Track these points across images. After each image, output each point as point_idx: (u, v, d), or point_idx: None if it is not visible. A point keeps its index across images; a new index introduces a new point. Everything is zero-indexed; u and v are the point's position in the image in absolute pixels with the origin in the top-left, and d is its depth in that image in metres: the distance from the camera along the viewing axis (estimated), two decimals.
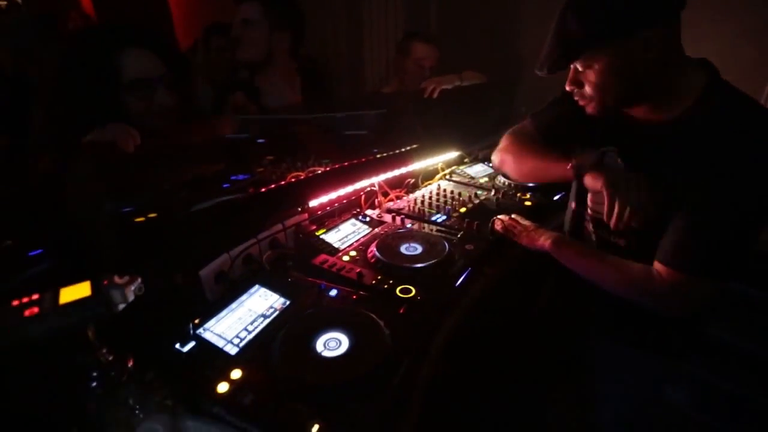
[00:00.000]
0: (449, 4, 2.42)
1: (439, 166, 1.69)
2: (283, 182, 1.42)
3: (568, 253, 1.00)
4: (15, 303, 0.53)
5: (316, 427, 0.58)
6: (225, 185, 1.34)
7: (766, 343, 1.30)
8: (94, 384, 0.60)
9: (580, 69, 0.85)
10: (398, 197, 1.43)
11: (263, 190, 1.41)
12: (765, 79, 1.56)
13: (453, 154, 1.79)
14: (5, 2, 2.34)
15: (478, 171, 1.73)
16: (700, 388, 1.11)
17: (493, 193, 1.46)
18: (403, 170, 1.56)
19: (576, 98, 0.91)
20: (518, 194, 1.45)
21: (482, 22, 2.34)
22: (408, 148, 1.69)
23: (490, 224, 1.16)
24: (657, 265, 0.84)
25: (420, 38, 2.00)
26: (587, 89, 0.87)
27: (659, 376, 1.01)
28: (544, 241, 1.04)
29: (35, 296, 0.54)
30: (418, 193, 1.47)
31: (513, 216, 1.17)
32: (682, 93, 0.83)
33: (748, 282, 1.39)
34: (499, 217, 1.17)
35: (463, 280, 1.00)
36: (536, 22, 0.90)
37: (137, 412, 0.65)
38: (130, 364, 0.65)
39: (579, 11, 0.79)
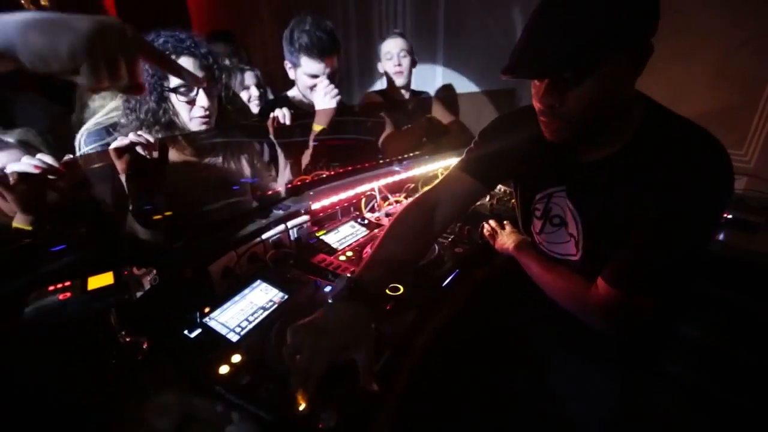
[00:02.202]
0: (456, 7, 2.49)
1: (439, 171, 1.76)
2: (289, 185, 1.51)
3: (527, 258, 1.00)
4: (51, 288, 0.62)
5: (302, 405, 0.66)
6: (234, 187, 1.46)
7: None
8: (114, 361, 0.69)
9: (567, 80, 0.69)
10: (397, 201, 1.51)
11: (269, 193, 1.51)
12: (763, 84, 1.58)
13: (453, 160, 1.86)
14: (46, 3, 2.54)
15: None
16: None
17: (488, 198, 1.52)
18: (403, 176, 1.64)
19: (543, 117, 0.78)
20: (512, 200, 1.52)
21: (488, 25, 2.40)
22: (409, 155, 1.77)
23: (479, 228, 1.23)
24: (599, 281, 0.82)
25: (388, 37, 2.04)
26: (569, 107, 0.72)
27: (629, 389, 0.96)
28: (510, 244, 1.07)
29: (67, 283, 0.64)
30: None
31: (505, 222, 1.23)
32: (628, 126, 0.80)
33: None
34: (488, 222, 1.24)
35: (450, 281, 1.07)
36: None
37: (149, 388, 0.75)
38: (145, 345, 0.74)
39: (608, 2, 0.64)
